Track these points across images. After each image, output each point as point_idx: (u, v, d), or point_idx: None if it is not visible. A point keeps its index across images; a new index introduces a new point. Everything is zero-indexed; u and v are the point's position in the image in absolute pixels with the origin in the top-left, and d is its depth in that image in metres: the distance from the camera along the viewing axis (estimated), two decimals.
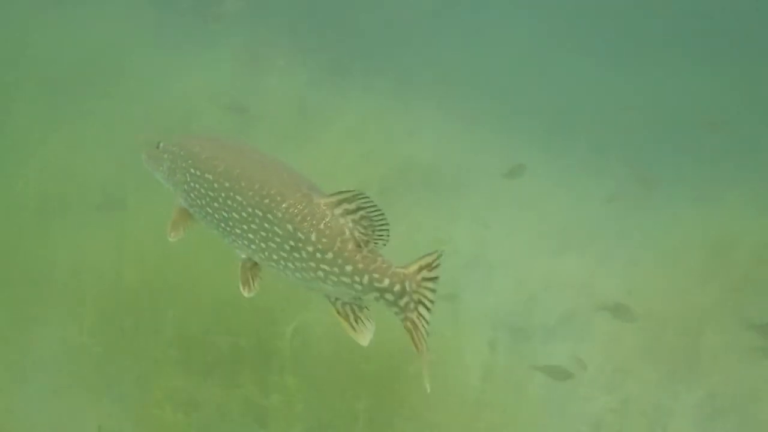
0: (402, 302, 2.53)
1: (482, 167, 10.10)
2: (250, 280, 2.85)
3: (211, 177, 2.85)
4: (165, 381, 5.51)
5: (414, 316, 2.53)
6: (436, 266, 2.54)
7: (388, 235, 2.60)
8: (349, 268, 2.57)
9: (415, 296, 2.53)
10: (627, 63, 16.18)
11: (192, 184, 2.93)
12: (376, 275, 2.55)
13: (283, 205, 2.66)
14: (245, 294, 2.86)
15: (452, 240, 7.53)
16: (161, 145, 3.15)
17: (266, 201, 2.69)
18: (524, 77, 14.57)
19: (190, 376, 5.53)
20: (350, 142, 8.74)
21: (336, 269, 2.59)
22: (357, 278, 2.57)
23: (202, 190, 2.88)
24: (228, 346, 5.64)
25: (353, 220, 2.58)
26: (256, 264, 2.85)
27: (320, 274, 2.63)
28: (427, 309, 2.54)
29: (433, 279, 2.54)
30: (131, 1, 11.79)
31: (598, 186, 10.06)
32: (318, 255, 2.60)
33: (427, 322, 2.53)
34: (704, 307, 6.87)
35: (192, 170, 2.93)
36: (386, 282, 2.54)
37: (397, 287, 2.53)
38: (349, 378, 5.57)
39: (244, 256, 2.84)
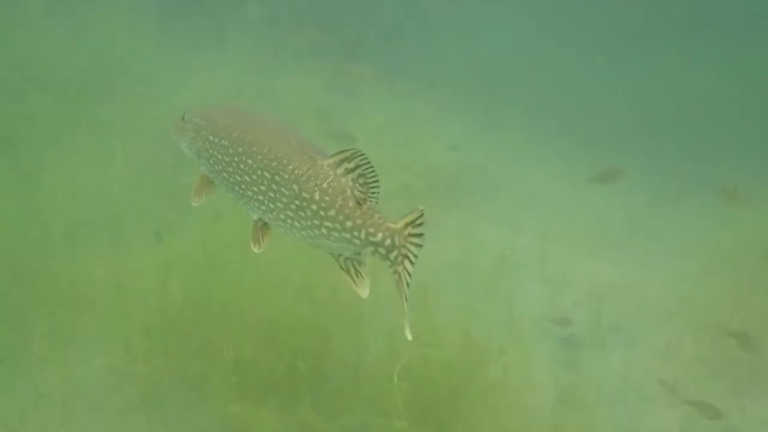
0: (392, 256, 2.72)
1: (510, 170, 9.86)
2: (261, 239, 3.06)
3: (226, 143, 3.05)
4: (217, 406, 5.24)
5: (400, 269, 2.70)
6: (420, 223, 2.70)
7: (378, 191, 2.78)
8: (349, 223, 2.75)
9: (403, 250, 2.70)
10: (656, 63, 15.86)
11: (211, 151, 3.14)
12: (371, 230, 2.73)
13: (290, 167, 2.84)
14: (255, 250, 3.06)
15: (485, 245, 7.31)
16: (185, 116, 3.35)
17: (274, 164, 2.88)
18: (549, 78, 14.34)
19: (243, 401, 5.24)
20: (373, 147, 8.41)
21: (338, 225, 2.77)
22: (356, 233, 2.75)
23: (219, 156, 3.09)
24: (283, 367, 5.36)
25: (353, 179, 2.76)
26: (266, 224, 3.05)
27: (323, 230, 2.80)
28: (411, 263, 2.71)
29: (418, 235, 2.71)
30: (142, 8, 11.43)
31: (633, 187, 9.71)
32: (321, 212, 2.78)
33: (410, 275, 2.70)
34: (765, 316, 6.64)
35: (211, 138, 3.13)
36: (380, 236, 2.73)
37: (387, 241, 2.72)
38: (408, 401, 5.32)
39: (256, 217, 3.05)
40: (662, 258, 8.19)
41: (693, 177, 10.03)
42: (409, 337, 2.71)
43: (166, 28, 11.86)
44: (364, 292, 2.83)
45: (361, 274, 2.85)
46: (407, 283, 2.70)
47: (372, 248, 2.74)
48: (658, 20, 18.49)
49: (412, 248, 2.71)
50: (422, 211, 2.70)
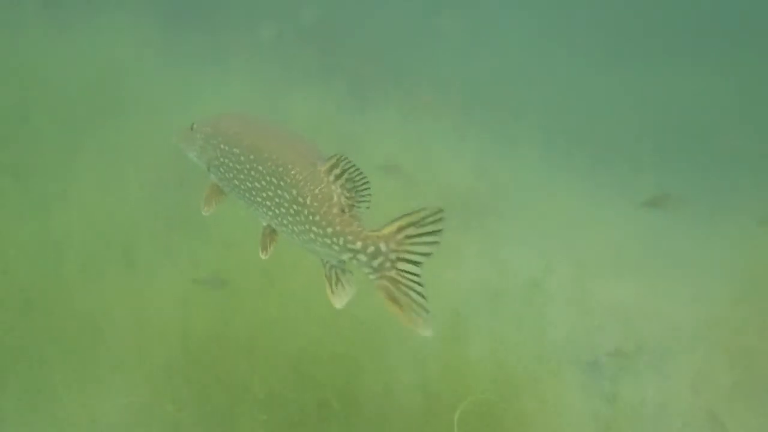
0: (375, 263, 2.69)
1: (525, 190, 9.70)
2: (268, 245, 3.10)
3: (237, 150, 3.08)
4: None
5: (392, 274, 2.66)
6: (433, 221, 2.62)
7: (370, 195, 2.79)
8: (330, 230, 2.78)
9: (394, 255, 2.67)
10: (672, 81, 15.71)
11: (221, 159, 3.16)
12: (350, 237, 2.74)
13: (292, 172, 2.88)
14: (262, 256, 3.11)
15: (510, 270, 7.11)
16: (194, 125, 3.37)
17: (279, 169, 2.92)
18: (561, 96, 14.23)
19: None
20: (387, 169, 8.21)
21: (321, 231, 2.80)
22: (335, 239, 2.77)
23: (230, 164, 3.11)
24: (312, 402, 5.17)
25: (341, 185, 2.80)
26: (274, 231, 3.08)
27: (311, 236, 2.84)
28: (415, 263, 2.66)
29: (428, 233, 2.64)
30: (146, 26, 11.28)
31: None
32: (311, 217, 2.83)
33: (417, 275, 2.65)
34: None
35: (222, 146, 3.16)
36: (359, 244, 2.72)
37: (370, 249, 2.70)
38: None
39: (264, 223, 3.09)
40: (692, 281, 7.99)
41: (724, 197, 9.85)
42: (428, 333, 2.65)
43: (171, 47, 11.73)
44: (340, 303, 2.83)
45: (341, 284, 2.85)
46: (417, 283, 2.65)
47: (350, 255, 2.75)
48: (682, 29, 18.44)
49: (415, 248, 2.66)
50: (438, 208, 2.64)
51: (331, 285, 2.86)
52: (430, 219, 2.64)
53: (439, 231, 2.65)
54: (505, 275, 6.72)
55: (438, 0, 18.80)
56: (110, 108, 9.13)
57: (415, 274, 2.66)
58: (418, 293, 2.66)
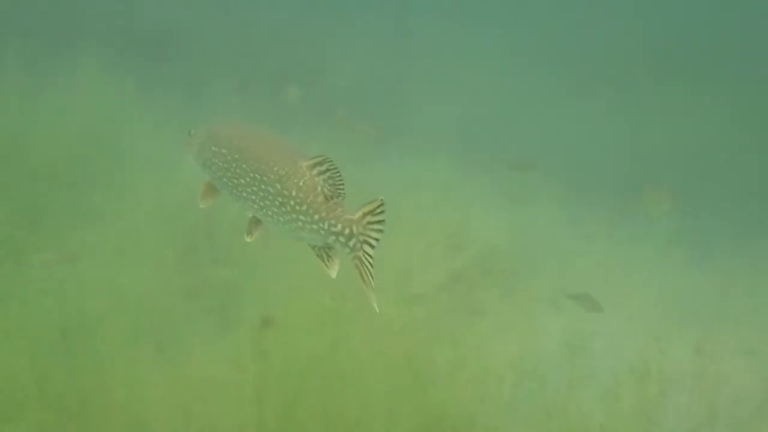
0: (351, 243, 3.20)
1: (542, 236, 9.32)
2: (253, 231, 3.54)
3: (225, 151, 3.54)
4: None
5: (360, 254, 3.19)
6: (380, 212, 3.17)
7: (344, 190, 3.26)
8: (316, 216, 3.24)
9: (361, 237, 3.18)
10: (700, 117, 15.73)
11: (213, 159, 3.61)
12: (333, 221, 3.22)
13: (274, 168, 3.33)
14: (247, 239, 3.54)
15: (545, 332, 6.90)
16: (191, 132, 3.82)
17: (263, 166, 3.36)
18: (585, 139, 14.15)
19: None
20: (414, 230, 7.89)
21: (308, 218, 3.26)
22: (322, 224, 3.24)
23: (220, 163, 3.56)
24: None
25: (324, 179, 3.26)
26: (259, 220, 3.52)
27: (299, 223, 3.29)
28: (371, 246, 3.19)
29: (378, 222, 3.18)
30: (125, 83, 10.89)
31: (686, 252, 9.10)
32: (297, 207, 3.28)
33: (371, 257, 3.18)
34: None
35: (213, 147, 3.61)
36: (339, 227, 3.21)
37: (346, 231, 3.20)
38: None
39: (251, 215, 3.52)
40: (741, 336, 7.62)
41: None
42: (376, 308, 3.16)
43: (148, 104, 11.35)
44: (334, 272, 3.31)
45: (332, 259, 3.32)
46: (370, 264, 3.17)
47: (334, 237, 3.23)
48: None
49: (372, 233, 3.18)
50: (381, 201, 3.16)
51: (324, 261, 3.33)
52: (379, 210, 3.18)
53: (383, 220, 3.19)
54: (539, 341, 6.45)
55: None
56: (99, 173, 8.62)
57: (371, 256, 3.20)
58: (370, 273, 3.19)
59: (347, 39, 19.41)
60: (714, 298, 8.56)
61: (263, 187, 3.36)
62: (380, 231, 3.19)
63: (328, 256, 3.32)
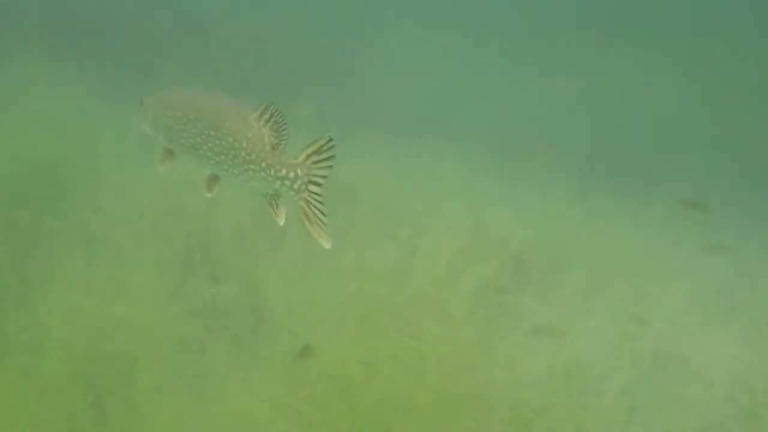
0: (295, 186, 3.44)
1: (600, 243, 8.71)
2: (212, 187, 3.79)
3: (180, 113, 3.75)
4: None
5: (306, 195, 3.42)
6: (328, 148, 3.38)
7: (287, 135, 3.50)
8: (263, 164, 3.50)
9: (306, 178, 3.41)
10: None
11: (169, 123, 3.81)
12: (278, 167, 3.47)
13: (226, 124, 3.58)
14: (207, 195, 3.78)
15: (581, 339, 6.52)
16: (143, 100, 4.01)
17: (216, 123, 3.61)
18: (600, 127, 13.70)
19: None
20: (436, 236, 7.46)
21: (257, 167, 3.52)
22: (269, 171, 3.48)
23: (176, 126, 3.77)
24: None
25: (270, 128, 3.50)
26: (216, 176, 3.76)
27: (250, 173, 3.55)
28: (318, 185, 3.41)
29: (326, 159, 3.39)
30: (92, 99, 10.07)
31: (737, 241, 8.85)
32: (247, 157, 3.54)
33: (319, 195, 3.41)
34: None
35: (168, 111, 3.81)
36: (284, 171, 3.46)
37: (291, 174, 3.44)
38: None
39: (208, 172, 3.77)
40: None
41: None
42: (328, 245, 3.38)
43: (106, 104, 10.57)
44: (281, 219, 3.53)
45: (279, 207, 3.54)
46: (319, 202, 3.40)
47: (280, 182, 3.47)
48: None
49: (318, 171, 3.41)
50: (329, 137, 3.38)
51: (273, 210, 3.55)
52: (327, 146, 3.39)
53: (333, 156, 3.40)
54: (575, 348, 6.11)
55: None
56: (78, 197, 7.89)
57: (319, 194, 3.42)
58: (321, 211, 3.40)
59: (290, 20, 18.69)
60: None
61: (217, 142, 3.61)
62: (328, 167, 3.39)
63: (276, 203, 3.55)
